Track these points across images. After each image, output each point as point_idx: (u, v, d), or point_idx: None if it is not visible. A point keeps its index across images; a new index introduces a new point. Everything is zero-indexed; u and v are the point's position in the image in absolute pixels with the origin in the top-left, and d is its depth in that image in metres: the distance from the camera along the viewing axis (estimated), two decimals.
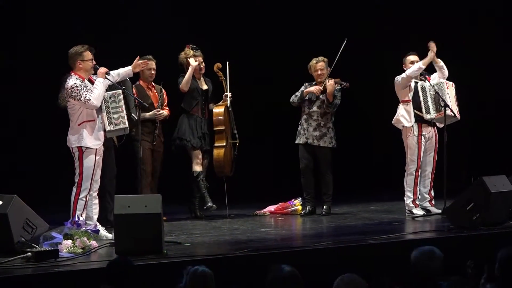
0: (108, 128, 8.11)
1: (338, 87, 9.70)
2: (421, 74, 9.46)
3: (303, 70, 9.94)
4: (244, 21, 11.87)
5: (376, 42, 12.18)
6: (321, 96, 9.71)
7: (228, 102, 9.72)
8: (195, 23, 11.52)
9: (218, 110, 9.69)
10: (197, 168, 9.57)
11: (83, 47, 7.99)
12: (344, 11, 12.20)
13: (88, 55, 7.99)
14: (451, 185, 9.09)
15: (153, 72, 9.42)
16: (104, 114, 8.11)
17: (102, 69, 8.06)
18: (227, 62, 9.73)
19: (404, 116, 9.45)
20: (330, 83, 9.60)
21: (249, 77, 11.40)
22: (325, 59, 9.83)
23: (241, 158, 9.90)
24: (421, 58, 9.46)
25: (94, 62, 8.04)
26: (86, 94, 7.85)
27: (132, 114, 8.45)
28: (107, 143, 8.36)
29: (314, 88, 9.68)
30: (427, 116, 9.38)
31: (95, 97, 7.90)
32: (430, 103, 9.36)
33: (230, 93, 9.75)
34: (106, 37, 10.44)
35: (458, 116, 9.46)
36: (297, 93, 9.78)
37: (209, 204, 9.49)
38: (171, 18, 11.48)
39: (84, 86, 7.90)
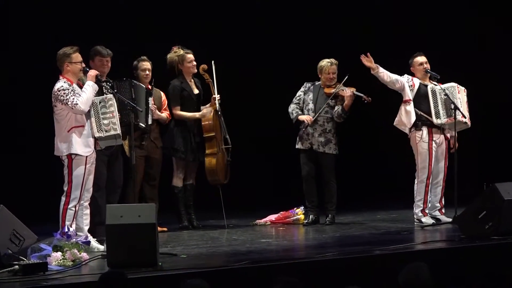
0: (97, 135, 7.89)
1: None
2: (431, 78, 9.29)
3: (301, 67, 9.77)
4: (233, 17, 11.52)
5: (378, 44, 12.01)
6: (329, 102, 9.50)
7: (217, 105, 9.35)
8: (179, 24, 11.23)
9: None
10: (179, 183, 9.33)
11: (72, 49, 7.82)
12: (344, 9, 12.06)
13: (77, 57, 7.83)
14: (462, 193, 8.98)
15: (148, 73, 9.08)
16: (93, 120, 7.88)
17: (92, 72, 7.90)
18: (212, 62, 9.37)
19: (403, 116, 9.23)
20: (349, 95, 9.37)
21: (240, 75, 11.12)
22: (337, 62, 9.58)
23: (238, 164, 9.72)
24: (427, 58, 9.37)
25: (84, 65, 7.88)
26: (73, 98, 7.68)
27: (140, 123, 8.39)
28: (114, 152, 8.27)
29: (306, 118, 9.44)
30: (437, 121, 9.23)
31: (83, 102, 7.71)
32: (440, 107, 9.22)
33: (219, 95, 9.39)
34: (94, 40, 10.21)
35: (469, 123, 9.30)
36: (293, 112, 9.52)
37: (184, 223, 9.33)
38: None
39: (72, 90, 7.74)
